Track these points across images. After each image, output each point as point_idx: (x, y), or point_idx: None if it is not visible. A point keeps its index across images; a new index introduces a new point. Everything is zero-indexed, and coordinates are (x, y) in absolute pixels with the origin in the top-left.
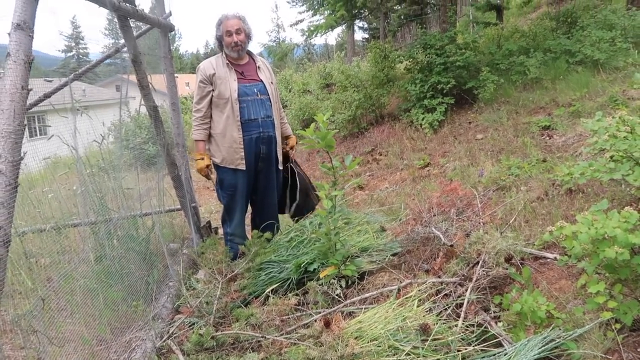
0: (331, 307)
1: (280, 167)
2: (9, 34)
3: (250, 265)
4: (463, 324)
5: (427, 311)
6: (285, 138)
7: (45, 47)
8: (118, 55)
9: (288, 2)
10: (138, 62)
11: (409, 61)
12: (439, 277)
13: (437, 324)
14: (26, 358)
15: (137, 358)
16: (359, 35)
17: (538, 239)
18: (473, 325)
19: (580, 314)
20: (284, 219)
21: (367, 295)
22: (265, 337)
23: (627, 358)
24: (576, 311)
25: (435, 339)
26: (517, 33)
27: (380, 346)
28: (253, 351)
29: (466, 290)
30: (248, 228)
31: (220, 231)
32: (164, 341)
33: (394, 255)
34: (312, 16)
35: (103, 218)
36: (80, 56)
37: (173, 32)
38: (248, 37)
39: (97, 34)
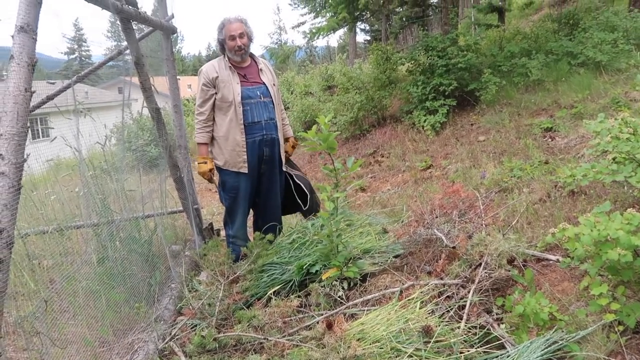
0: (333, 309)
1: (284, 169)
2: (12, 36)
3: (253, 267)
4: (465, 325)
5: (429, 313)
6: (286, 140)
7: (48, 49)
8: (120, 58)
9: (290, 4)
10: (140, 64)
11: (411, 63)
12: (441, 279)
13: (439, 325)
14: None
15: None
16: (361, 37)
17: (540, 240)
18: (475, 327)
19: (583, 316)
20: (286, 221)
21: (369, 297)
22: (267, 339)
23: None
24: (579, 313)
25: (437, 341)
26: (519, 35)
27: (382, 348)
28: (255, 353)
29: (468, 292)
30: (250, 230)
31: (223, 233)
32: (166, 343)
33: (396, 257)
34: (314, 18)
35: (105, 220)
36: (83, 58)
37: (175, 35)
38: (250, 39)
39: (100, 37)
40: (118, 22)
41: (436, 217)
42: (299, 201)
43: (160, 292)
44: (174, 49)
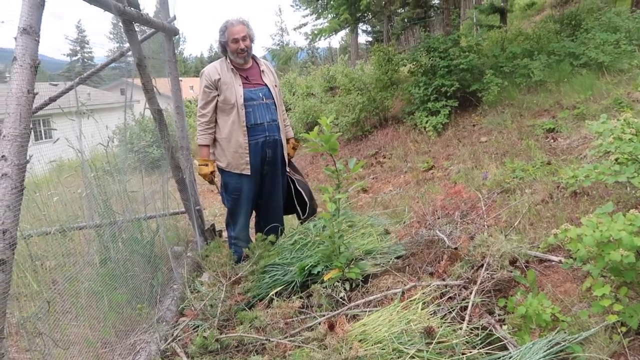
0: (335, 310)
1: (288, 170)
2: (15, 38)
3: (255, 268)
4: (467, 327)
5: (431, 314)
6: (286, 141)
7: (50, 51)
8: (123, 59)
9: (292, 5)
10: (143, 65)
11: (413, 64)
12: (443, 280)
13: (441, 326)
14: None
15: None
16: (363, 38)
17: (543, 241)
18: (478, 328)
19: (586, 317)
20: (288, 222)
21: (371, 298)
22: (269, 340)
23: None
24: (581, 314)
25: (439, 342)
26: (521, 36)
27: (384, 349)
28: (257, 354)
29: (470, 293)
30: (252, 231)
31: (225, 234)
32: (168, 344)
33: (398, 258)
34: (316, 20)
35: (108, 221)
36: (85, 60)
37: (177, 36)
38: (252, 41)
39: (102, 38)
40: (120, 24)
41: (438, 218)
42: (298, 208)
43: (163, 293)
44: (176, 51)
